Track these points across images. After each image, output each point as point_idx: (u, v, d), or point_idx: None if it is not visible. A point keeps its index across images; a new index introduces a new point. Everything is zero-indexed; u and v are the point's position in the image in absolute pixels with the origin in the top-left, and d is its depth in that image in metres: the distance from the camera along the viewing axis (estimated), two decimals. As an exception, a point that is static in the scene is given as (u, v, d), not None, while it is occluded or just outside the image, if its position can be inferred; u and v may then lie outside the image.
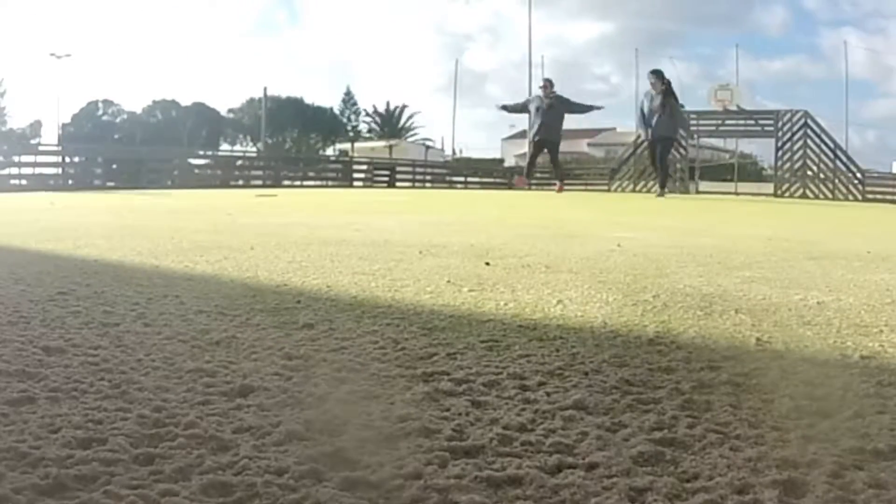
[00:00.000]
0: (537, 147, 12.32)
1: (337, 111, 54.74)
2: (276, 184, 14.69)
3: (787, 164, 16.94)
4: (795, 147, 16.84)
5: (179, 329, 1.27)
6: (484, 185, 18.92)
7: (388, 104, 55.18)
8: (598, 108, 13.02)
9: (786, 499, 0.66)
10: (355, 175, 17.98)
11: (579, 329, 1.35)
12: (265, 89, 31.33)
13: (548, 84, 12.34)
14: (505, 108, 12.90)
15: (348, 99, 55.49)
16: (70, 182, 12.20)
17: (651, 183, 16.95)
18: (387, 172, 17.76)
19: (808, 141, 16.70)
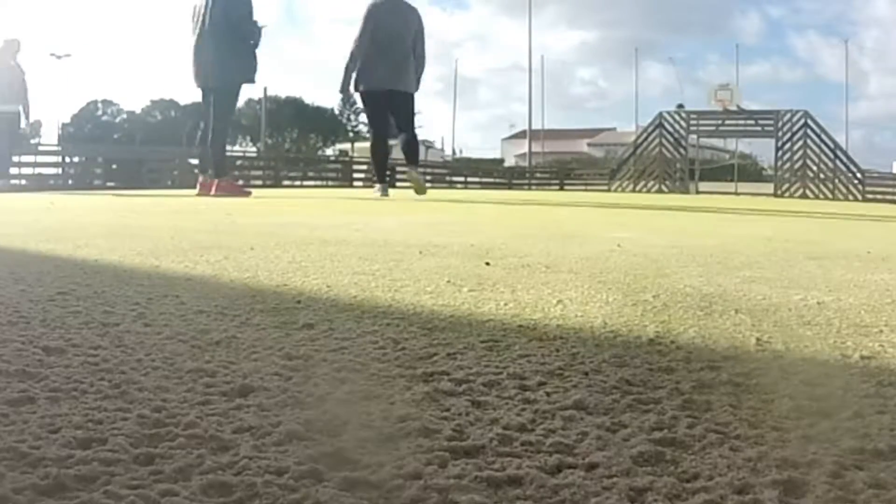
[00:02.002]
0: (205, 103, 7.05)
1: (336, 111, 54.72)
2: (277, 184, 14.70)
3: (787, 164, 16.95)
4: (795, 147, 16.86)
5: (179, 329, 1.27)
6: (484, 185, 18.93)
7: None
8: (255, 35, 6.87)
9: (786, 499, 0.66)
10: (355, 175, 17.99)
11: (579, 329, 1.35)
12: (265, 89, 31.29)
13: None
14: None
15: (347, 99, 55.49)
16: (70, 182, 12.21)
17: (651, 183, 16.99)
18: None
19: (808, 141, 16.73)
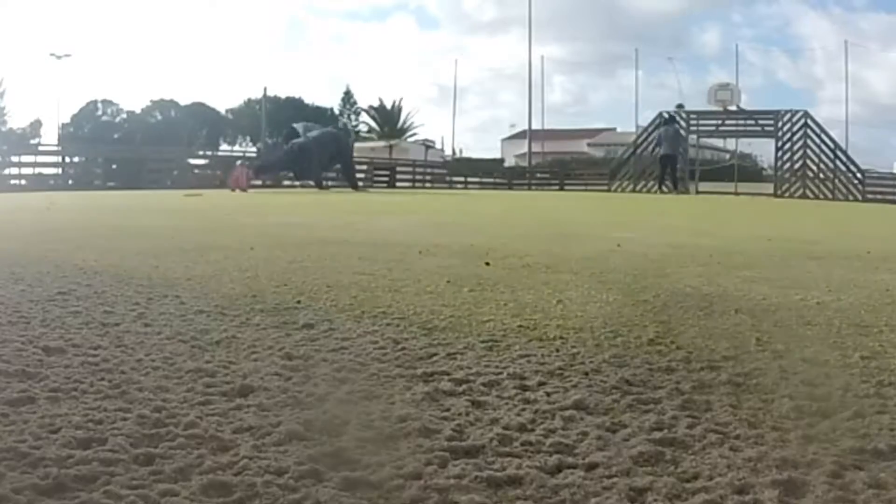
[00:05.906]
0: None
1: (336, 111, 54.67)
2: (277, 184, 14.69)
3: (787, 165, 16.91)
4: (795, 147, 16.81)
5: (179, 329, 1.27)
6: (484, 186, 18.90)
7: (380, 100, 55.09)
8: None
9: (786, 499, 0.66)
10: (355, 175, 17.95)
11: (579, 329, 1.35)
12: (265, 89, 31.29)
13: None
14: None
15: (347, 99, 55.41)
16: (70, 182, 12.19)
17: (651, 183, 17.10)
18: (387, 172, 17.75)
19: (808, 141, 16.68)
